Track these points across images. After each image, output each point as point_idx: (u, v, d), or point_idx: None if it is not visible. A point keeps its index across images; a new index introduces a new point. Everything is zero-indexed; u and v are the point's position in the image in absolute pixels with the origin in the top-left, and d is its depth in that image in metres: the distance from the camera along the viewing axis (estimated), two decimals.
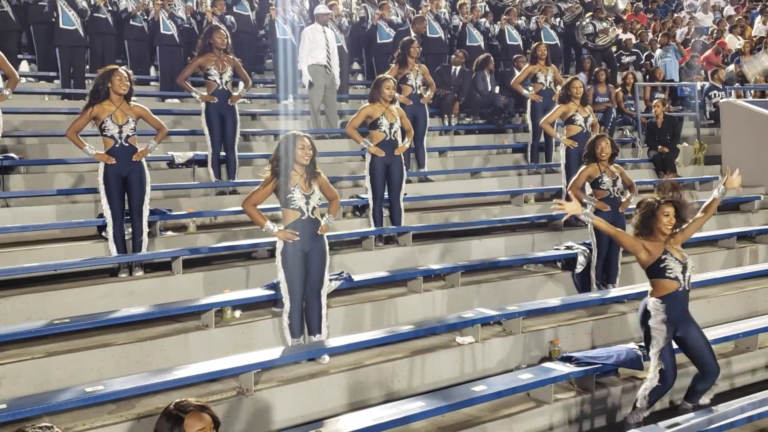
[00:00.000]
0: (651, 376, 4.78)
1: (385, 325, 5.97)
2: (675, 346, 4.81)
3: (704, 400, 4.89)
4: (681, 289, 4.70)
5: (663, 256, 4.68)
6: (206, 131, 7.71)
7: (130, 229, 6.15)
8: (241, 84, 8.09)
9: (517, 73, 10.41)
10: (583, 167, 6.65)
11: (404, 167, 7.37)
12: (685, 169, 10.96)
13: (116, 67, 6.16)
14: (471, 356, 5.56)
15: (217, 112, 7.64)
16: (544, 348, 5.86)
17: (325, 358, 5.17)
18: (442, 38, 11.76)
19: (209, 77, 7.64)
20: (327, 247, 5.32)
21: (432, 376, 5.37)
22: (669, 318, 4.67)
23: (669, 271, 4.67)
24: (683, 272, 4.71)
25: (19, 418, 3.88)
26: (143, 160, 6.11)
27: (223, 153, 7.79)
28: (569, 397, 5.13)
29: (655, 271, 4.72)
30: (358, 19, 12.07)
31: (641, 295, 5.59)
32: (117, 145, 5.96)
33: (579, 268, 6.88)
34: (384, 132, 7.07)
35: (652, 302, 4.74)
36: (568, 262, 7.05)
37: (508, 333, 5.82)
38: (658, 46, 14.06)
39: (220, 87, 7.64)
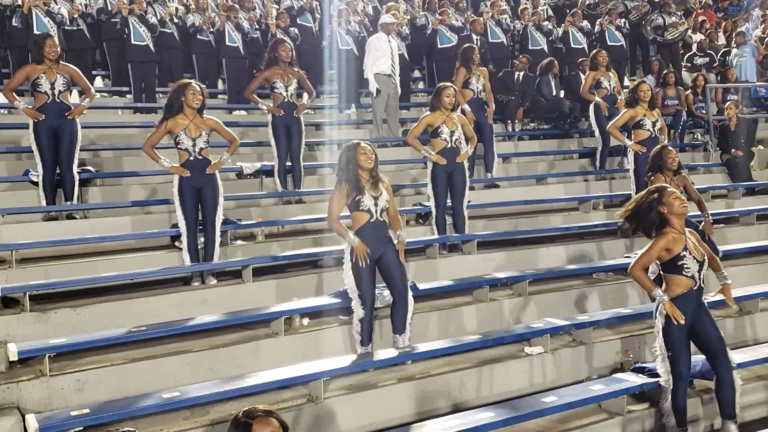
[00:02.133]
0: (665, 378, 4.70)
1: (451, 334, 5.94)
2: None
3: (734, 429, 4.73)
4: (696, 287, 4.61)
5: (682, 253, 4.57)
6: (272, 142, 7.90)
7: (202, 239, 6.31)
8: (305, 95, 8.22)
9: (582, 77, 10.29)
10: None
11: (467, 174, 7.34)
12: (761, 173, 10.55)
13: (189, 81, 6.32)
14: (540, 367, 5.49)
15: (283, 124, 7.81)
16: (615, 358, 5.74)
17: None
18: (505, 43, 11.68)
19: (275, 90, 7.81)
20: (395, 249, 5.31)
21: (501, 387, 5.32)
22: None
23: (686, 270, 4.58)
24: (699, 270, 4.61)
25: (101, 423, 4.06)
26: (216, 171, 6.26)
27: (288, 163, 7.94)
28: (642, 408, 5.01)
29: (672, 267, 4.61)
30: (419, 24, 12.06)
31: (718, 303, 5.42)
32: (191, 158, 6.12)
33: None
34: (445, 140, 7.05)
35: (661, 306, 4.65)
36: None
37: (579, 343, 5.72)
38: (734, 45, 13.54)
39: (286, 99, 7.79)
